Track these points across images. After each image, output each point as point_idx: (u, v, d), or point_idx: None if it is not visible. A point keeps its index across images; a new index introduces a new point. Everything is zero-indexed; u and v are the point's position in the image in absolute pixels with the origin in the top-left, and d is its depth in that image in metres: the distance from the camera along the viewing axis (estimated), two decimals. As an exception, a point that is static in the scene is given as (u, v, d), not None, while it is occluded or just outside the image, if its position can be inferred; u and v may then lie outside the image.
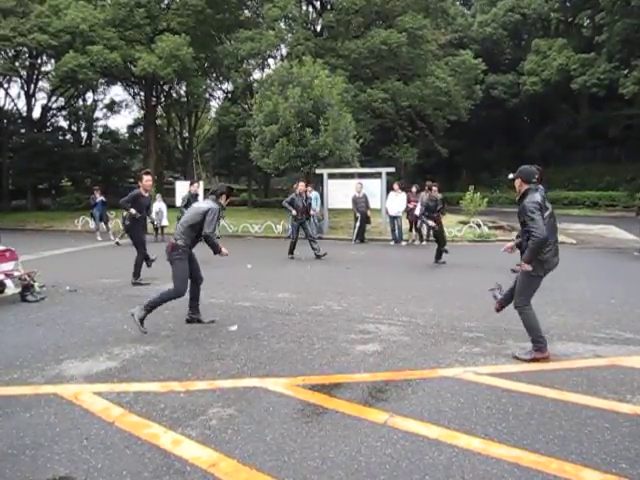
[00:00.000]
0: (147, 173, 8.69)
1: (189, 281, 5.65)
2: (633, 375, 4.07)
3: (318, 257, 11.14)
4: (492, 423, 3.30)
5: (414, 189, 14.39)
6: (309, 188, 16.04)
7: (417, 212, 13.62)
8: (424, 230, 13.95)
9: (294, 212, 11.45)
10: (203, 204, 5.71)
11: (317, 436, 3.16)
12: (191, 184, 13.81)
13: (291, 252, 11.44)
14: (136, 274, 8.36)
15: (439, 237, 10.52)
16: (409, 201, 14.01)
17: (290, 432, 3.22)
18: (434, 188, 10.76)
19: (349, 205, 14.83)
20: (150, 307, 5.38)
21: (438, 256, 10.34)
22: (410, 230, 14.32)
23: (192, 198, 12.30)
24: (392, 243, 14.04)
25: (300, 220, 11.43)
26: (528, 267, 4.40)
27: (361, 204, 14.23)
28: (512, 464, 2.82)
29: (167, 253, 5.51)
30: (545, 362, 4.39)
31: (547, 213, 4.43)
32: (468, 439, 3.09)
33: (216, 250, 5.64)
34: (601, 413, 3.42)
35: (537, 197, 4.38)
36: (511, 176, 4.66)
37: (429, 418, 3.37)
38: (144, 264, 8.48)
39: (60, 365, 4.47)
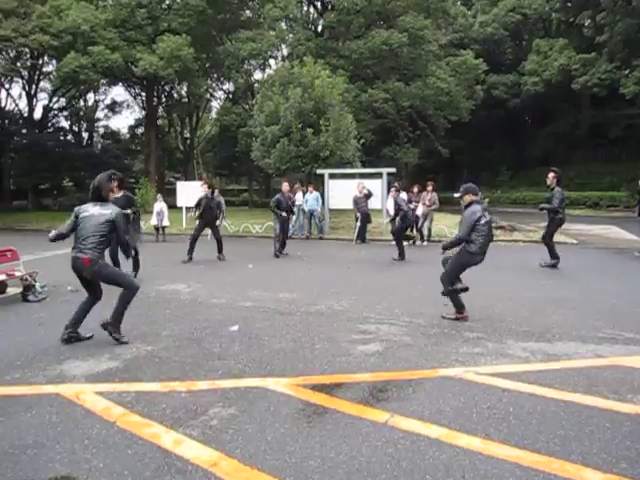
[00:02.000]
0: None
1: (87, 295, 5.22)
2: (634, 375, 4.07)
3: (276, 255, 11.52)
4: (493, 423, 3.30)
5: (415, 189, 14.39)
6: (310, 189, 16.10)
7: (418, 212, 13.65)
8: (425, 230, 13.94)
9: (284, 214, 11.78)
10: (105, 211, 4.97)
11: (318, 436, 3.17)
12: (205, 185, 11.07)
13: (281, 249, 11.70)
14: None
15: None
16: (410, 201, 13.99)
17: (291, 432, 3.22)
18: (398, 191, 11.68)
19: (350, 205, 14.83)
20: (117, 317, 5.09)
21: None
22: (411, 230, 14.30)
23: (208, 200, 10.60)
24: (393, 243, 14.02)
25: (284, 218, 11.83)
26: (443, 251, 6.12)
27: (362, 204, 14.21)
28: (513, 464, 2.82)
29: (85, 270, 4.90)
30: (547, 362, 4.40)
31: (484, 221, 5.65)
32: (469, 439, 3.10)
33: (128, 253, 5.61)
34: (602, 413, 3.42)
35: (477, 208, 5.70)
36: (457, 195, 5.96)
37: (430, 418, 3.37)
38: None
39: (61, 365, 4.48)
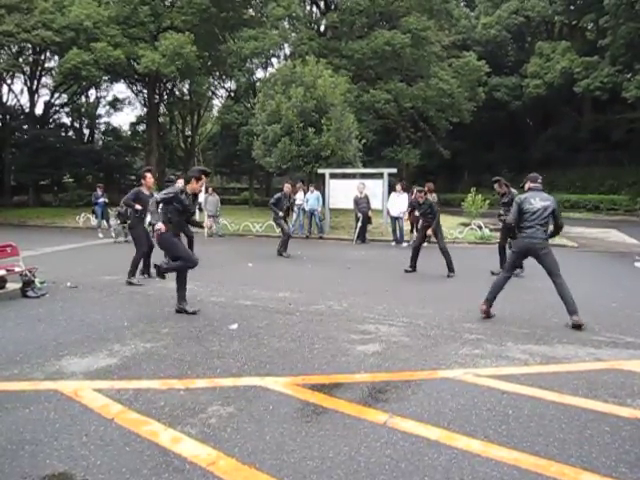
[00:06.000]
0: (148, 171, 8.81)
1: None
2: (633, 379, 4.06)
3: (279, 254, 11.43)
4: (492, 425, 3.29)
5: (416, 190, 14.37)
6: (311, 188, 16.10)
7: (417, 213, 13.63)
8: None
9: (281, 213, 11.65)
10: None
11: (317, 436, 3.16)
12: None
13: (285, 250, 11.55)
14: (131, 273, 8.16)
15: None
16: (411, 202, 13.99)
17: (290, 431, 3.21)
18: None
19: (350, 205, 14.83)
20: (165, 270, 6.24)
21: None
22: (411, 231, 14.30)
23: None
24: (393, 244, 14.04)
25: (280, 218, 11.69)
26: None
27: (362, 204, 14.22)
28: (512, 466, 2.81)
29: (157, 243, 6.40)
30: (545, 364, 4.40)
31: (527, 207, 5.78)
32: (468, 441, 3.09)
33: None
34: (601, 416, 3.41)
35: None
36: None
37: (429, 419, 3.37)
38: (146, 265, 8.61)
39: (60, 361, 4.47)
